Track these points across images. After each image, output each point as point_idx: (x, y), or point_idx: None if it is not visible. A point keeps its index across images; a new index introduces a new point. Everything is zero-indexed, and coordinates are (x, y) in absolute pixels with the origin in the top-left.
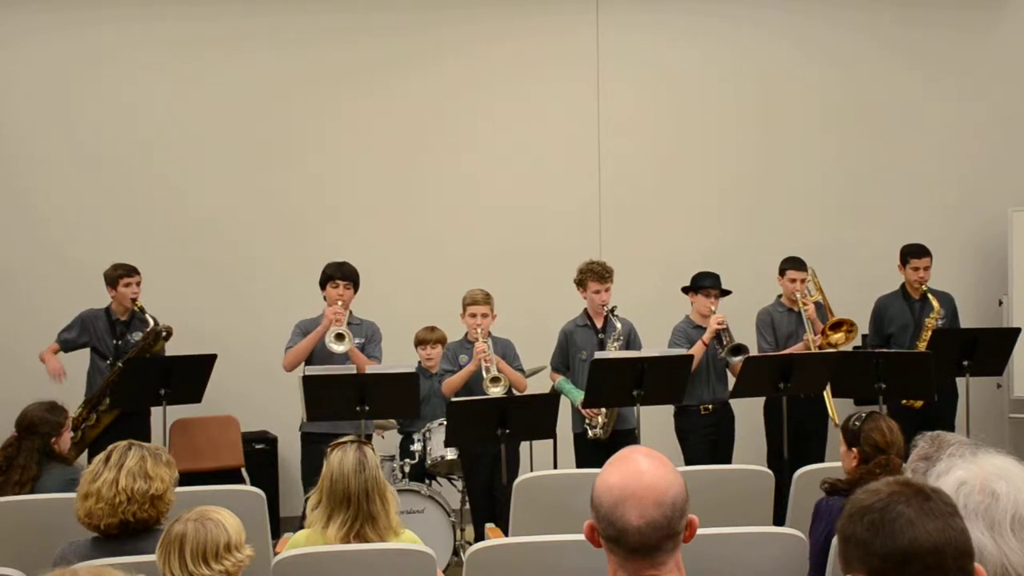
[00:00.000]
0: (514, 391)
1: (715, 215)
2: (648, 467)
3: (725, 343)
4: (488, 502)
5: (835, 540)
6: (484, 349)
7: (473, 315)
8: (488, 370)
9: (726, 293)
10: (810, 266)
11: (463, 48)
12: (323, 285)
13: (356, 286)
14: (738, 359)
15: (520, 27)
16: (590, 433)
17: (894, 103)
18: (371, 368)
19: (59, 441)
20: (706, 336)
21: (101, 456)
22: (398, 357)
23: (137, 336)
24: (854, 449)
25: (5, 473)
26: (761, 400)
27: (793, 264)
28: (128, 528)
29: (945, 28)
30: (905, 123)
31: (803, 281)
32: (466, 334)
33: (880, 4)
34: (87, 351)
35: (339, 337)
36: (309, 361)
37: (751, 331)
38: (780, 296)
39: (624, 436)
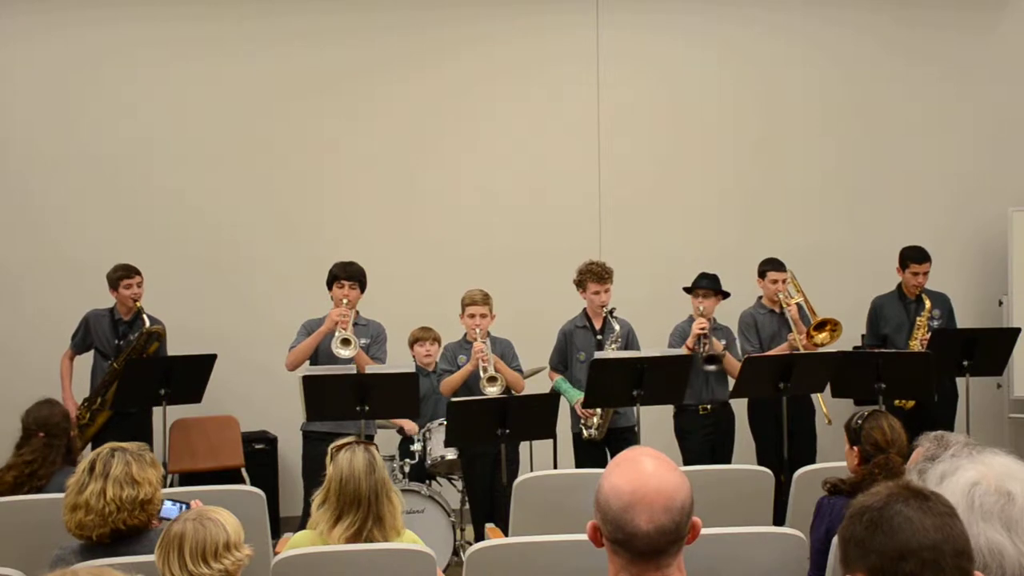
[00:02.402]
0: (512, 392)
1: (715, 215)
2: (656, 471)
3: (705, 350)
4: (488, 502)
5: (836, 539)
6: (482, 349)
7: (472, 315)
8: (485, 370)
9: (725, 296)
10: (789, 268)
11: (463, 48)
12: (329, 285)
13: (362, 286)
14: (712, 368)
15: (520, 27)
16: (585, 433)
17: (894, 103)
18: (371, 368)
19: (75, 436)
20: (688, 341)
21: (85, 465)
22: (398, 357)
23: None
24: (855, 448)
25: (34, 472)
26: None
27: (773, 265)
28: (119, 535)
29: (945, 28)
30: (905, 123)
31: (784, 282)
32: (465, 335)
33: (880, 4)
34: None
35: (345, 342)
36: (314, 361)
37: None
38: (761, 298)
39: (623, 435)
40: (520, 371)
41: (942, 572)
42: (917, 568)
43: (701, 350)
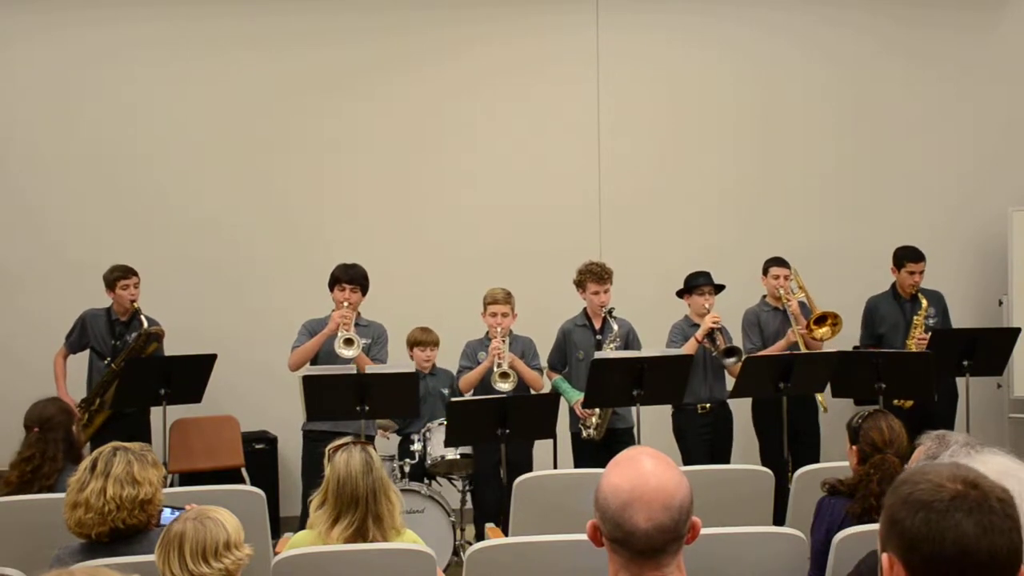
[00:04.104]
0: (531, 390)
1: (715, 215)
2: (655, 470)
3: (719, 344)
4: (496, 502)
5: (836, 538)
6: (498, 346)
7: (493, 314)
8: (499, 365)
9: (720, 289)
10: (793, 266)
11: (463, 48)
12: (331, 287)
13: (364, 289)
14: (732, 361)
15: (520, 27)
16: (584, 433)
17: (894, 103)
18: (371, 368)
19: (76, 431)
20: (699, 333)
21: (86, 463)
22: (397, 357)
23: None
24: (854, 447)
25: (38, 469)
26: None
27: (776, 262)
28: (118, 534)
29: (945, 28)
30: (905, 123)
31: (786, 278)
32: (487, 333)
33: (880, 4)
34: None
35: (348, 342)
36: (315, 362)
37: None
38: (765, 296)
39: (622, 435)
40: (540, 370)
41: None
42: None
43: (717, 345)
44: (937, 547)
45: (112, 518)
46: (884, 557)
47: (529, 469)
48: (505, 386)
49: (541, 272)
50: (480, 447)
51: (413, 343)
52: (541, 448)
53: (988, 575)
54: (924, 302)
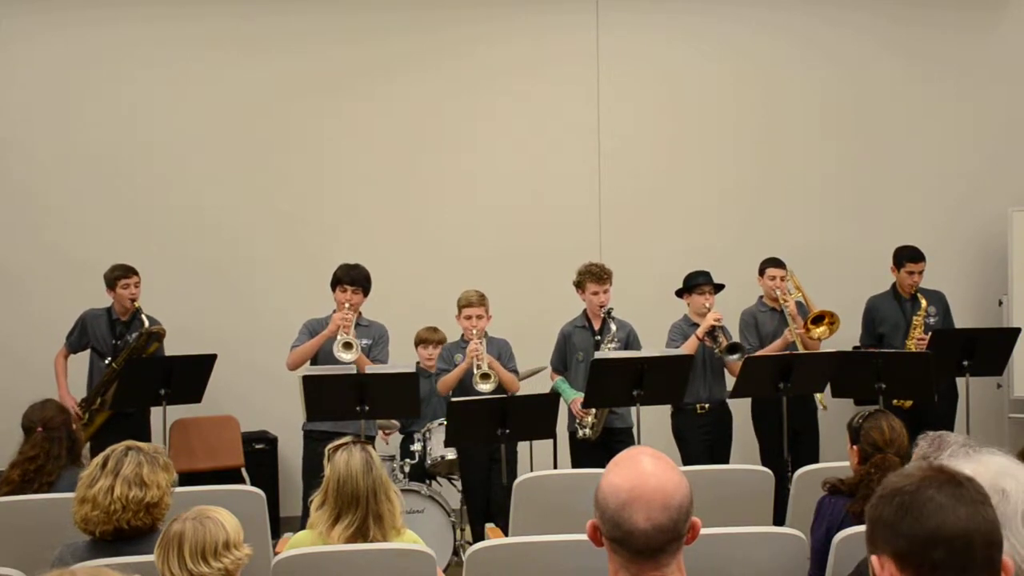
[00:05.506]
0: (508, 392)
1: (715, 215)
2: (655, 469)
3: (721, 342)
4: (485, 502)
5: (836, 538)
6: (476, 347)
7: (468, 316)
8: (479, 367)
9: (719, 288)
10: (789, 266)
11: (463, 48)
12: (333, 287)
13: (366, 290)
14: (735, 357)
15: (520, 27)
16: (579, 433)
17: (894, 103)
18: (371, 368)
19: (76, 430)
20: (700, 331)
21: (99, 459)
22: (397, 357)
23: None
24: (855, 447)
25: (41, 468)
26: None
27: (772, 262)
28: (123, 534)
29: (945, 28)
30: (905, 123)
31: (782, 278)
32: (462, 335)
33: (880, 4)
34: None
35: (347, 346)
36: (315, 362)
37: None
38: (761, 297)
39: (621, 435)
40: (516, 372)
41: (972, 562)
42: (946, 556)
43: (719, 342)
44: (916, 523)
45: (117, 518)
46: (873, 559)
47: (513, 468)
48: (486, 387)
49: (541, 272)
50: (464, 452)
51: (417, 341)
52: (541, 448)
53: (971, 542)
54: (924, 302)
